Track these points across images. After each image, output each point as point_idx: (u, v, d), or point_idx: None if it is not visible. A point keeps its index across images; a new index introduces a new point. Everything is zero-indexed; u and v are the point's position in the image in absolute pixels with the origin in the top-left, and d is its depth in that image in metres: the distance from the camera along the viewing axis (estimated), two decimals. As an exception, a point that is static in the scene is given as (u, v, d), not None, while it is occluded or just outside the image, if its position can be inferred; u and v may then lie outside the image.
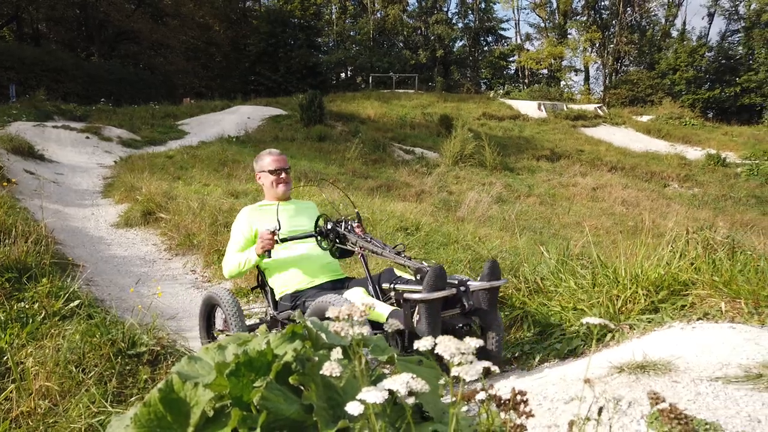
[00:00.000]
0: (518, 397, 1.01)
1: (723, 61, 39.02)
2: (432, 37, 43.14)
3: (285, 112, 21.33)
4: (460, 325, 2.46)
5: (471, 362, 0.76)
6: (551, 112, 26.98)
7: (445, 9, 46.34)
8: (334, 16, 43.94)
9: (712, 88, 37.56)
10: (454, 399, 0.93)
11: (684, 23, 50.08)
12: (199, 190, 8.43)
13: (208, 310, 3.41)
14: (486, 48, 46.94)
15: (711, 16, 42.28)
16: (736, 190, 16.50)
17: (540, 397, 1.53)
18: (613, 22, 41.33)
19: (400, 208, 8.52)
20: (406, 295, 2.34)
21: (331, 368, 0.86)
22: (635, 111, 30.03)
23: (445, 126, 20.55)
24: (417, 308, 2.27)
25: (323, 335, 1.46)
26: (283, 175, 3.23)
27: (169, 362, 2.61)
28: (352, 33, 44.08)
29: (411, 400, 1.20)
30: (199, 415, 1.08)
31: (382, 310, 2.43)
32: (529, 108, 27.73)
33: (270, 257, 2.87)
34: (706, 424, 1.25)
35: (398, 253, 2.64)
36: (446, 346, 0.79)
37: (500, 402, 1.03)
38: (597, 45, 41.91)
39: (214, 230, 6.17)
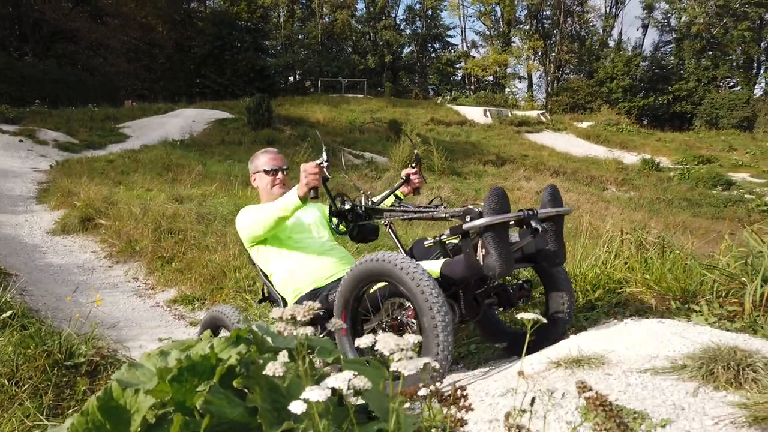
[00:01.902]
0: (459, 392, 1.05)
1: (656, 71, 41.06)
2: (380, 43, 43.42)
3: (232, 116, 20.96)
4: (521, 281, 2.22)
5: (410, 358, 0.79)
6: (496, 118, 27.64)
7: (393, 15, 46.80)
8: (281, 20, 43.55)
9: (646, 96, 39.43)
10: (397, 395, 0.96)
11: (620, 34, 52.46)
12: (141, 195, 8.17)
13: (212, 333, 3.07)
14: (433, 54, 47.62)
15: (645, 27, 44.44)
16: (669, 193, 17.36)
17: (482, 393, 1.58)
18: (554, 31, 42.78)
19: (349, 212, 8.53)
20: (465, 226, 1.90)
21: (273, 369, 0.86)
22: (576, 117, 31.15)
23: (394, 131, 20.72)
24: (481, 240, 1.88)
25: (269, 339, 1.47)
26: (280, 175, 2.84)
27: (109, 372, 2.54)
28: (300, 37, 43.80)
29: (357, 401, 1.22)
30: (139, 422, 1.06)
31: (433, 267, 2.09)
32: (475, 114, 28.31)
33: (316, 196, 2.34)
34: (635, 412, 1.32)
35: (436, 207, 2.24)
36: (386, 342, 0.81)
37: (441, 398, 1.06)
38: (539, 53, 43.25)
39: (157, 236, 6.00)
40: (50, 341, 2.58)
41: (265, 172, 2.83)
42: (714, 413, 1.30)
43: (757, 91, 38.70)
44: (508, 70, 44.25)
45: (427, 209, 2.25)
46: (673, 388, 1.45)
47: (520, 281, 2.28)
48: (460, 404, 1.05)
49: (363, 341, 0.85)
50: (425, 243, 2.34)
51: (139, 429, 1.05)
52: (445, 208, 2.20)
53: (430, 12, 46.38)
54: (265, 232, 2.55)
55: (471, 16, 47.51)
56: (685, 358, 1.59)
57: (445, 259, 2.16)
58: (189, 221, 6.44)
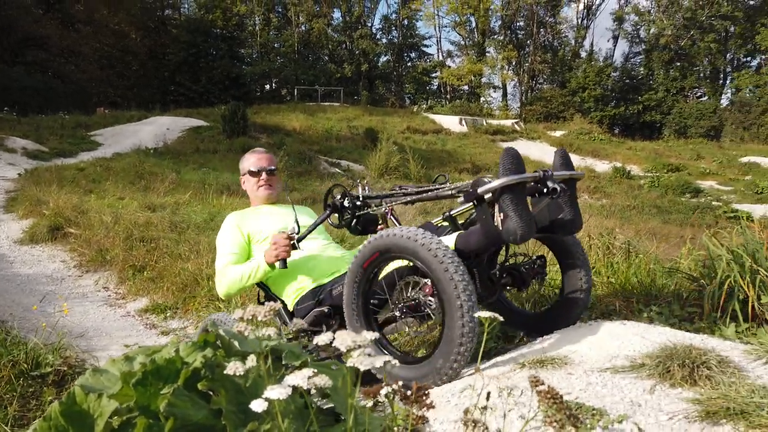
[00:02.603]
0: (420, 391, 1.07)
1: (627, 81, 42.00)
2: (357, 52, 43.60)
3: (207, 124, 20.80)
4: (534, 258, 2.10)
5: (369, 355, 0.81)
6: (472, 127, 27.93)
7: (370, 24, 47.04)
8: (257, 28, 43.44)
9: (617, 105, 40.27)
10: (356, 394, 0.98)
11: (592, 45, 53.50)
12: (113, 203, 8.06)
13: None
14: (409, 63, 47.98)
15: (616, 38, 45.44)
16: (640, 200, 17.73)
17: (449, 395, 1.61)
18: (528, 42, 43.49)
19: (325, 220, 8.52)
20: (481, 190, 1.77)
21: (235, 368, 0.88)
22: (549, 126, 31.66)
23: (370, 139, 20.79)
24: (498, 204, 1.75)
25: (236, 343, 1.47)
26: (264, 176, 2.73)
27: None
28: (276, 45, 43.74)
29: (325, 404, 1.23)
30: (102, 427, 1.06)
31: (448, 241, 1.95)
32: (451, 122, 28.57)
33: (285, 267, 2.30)
34: (594, 409, 1.37)
35: (440, 185, 2.11)
36: (343, 339, 0.83)
37: (404, 396, 1.09)
38: (513, 63, 43.90)
39: (129, 245, 5.93)
40: (16, 351, 2.54)
41: (250, 173, 2.75)
42: (669, 409, 1.35)
43: (724, 101, 39.86)
44: (483, 80, 44.80)
45: (430, 188, 2.12)
46: (631, 386, 1.50)
47: (533, 258, 2.14)
48: (422, 402, 1.08)
49: (320, 339, 0.87)
50: (434, 222, 2.20)
51: (102, 433, 1.05)
52: (449, 185, 2.04)
53: (405, 22, 46.78)
54: (226, 292, 2.47)
55: (446, 26, 48.12)
56: (643, 357, 1.65)
57: (458, 232, 2.01)
58: (162, 229, 6.37)
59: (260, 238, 2.58)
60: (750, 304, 2.22)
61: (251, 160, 2.79)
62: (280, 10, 45.44)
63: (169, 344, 1.43)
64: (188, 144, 17.39)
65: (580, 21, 45.39)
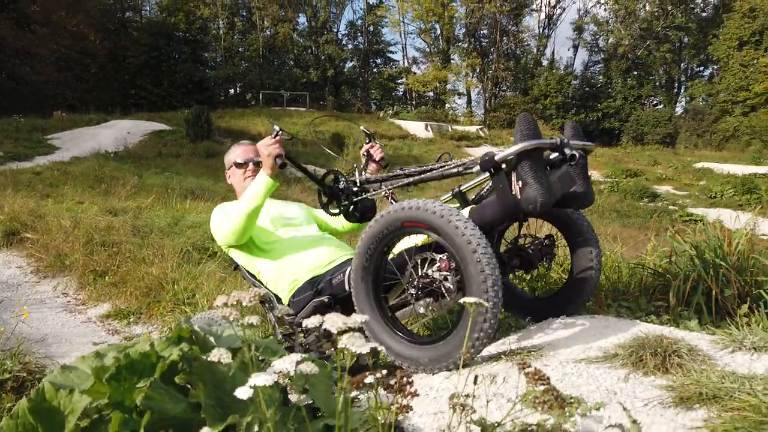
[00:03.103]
0: (403, 380, 1.07)
1: (587, 89, 43.16)
2: (323, 57, 43.55)
3: (169, 128, 20.43)
4: (541, 238, 2.00)
5: (358, 338, 0.80)
6: (437, 133, 28.23)
7: (335, 30, 47.09)
8: (221, 32, 42.92)
9: (578, 112, 41.31)
10: (342, 383, 0.96)
11: (553, 53, 54.75)
12: (72, 207, 7.80)
13: None
14: (375, 69, 48.21)
15: (576, 47, 46.67)
16: (600, 205, 18.18)
17: (427, 388, 1.61)
18: (491, 50, 44.23)
19: (292, 224, 8.44)
20: (498, 157, 1.68)
21: (219, 355, 0.85)
22: (512, 133, 32.17)
23: (337, 144, 20.75)
24: (515, 173, 1.66)
25: (212, 339, 1.44)
26: (251, 166, 2.60)
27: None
28: (240, 49, 43.31)
29: (304, 399, 1.21)
30: (74, 424, 1.02)
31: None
32: (417, 128, 28.80)
33: (284, 164, 2.18)
34: (571, 397, 1.38)
35: (445, 163, 2.00)
36: (333, 321, 0.82)
37: (387, 385, 1.08)
38: (477, 70, 44.57)
39: (89, 249, 5.73)
40: (-29, 357, 2.42)
41: (236, 165, 2.63)
42: (644, 396, 1.38)
43: (678, 109, 41.36)
44: (448, 86, 45.38)
45: (433, 167, 1.99)
46: (606, 375, 1.53)
47: (542, 238, 2.03)
48: (406, 391, 1.07)
49: (310, 321, 0.86)
50: (442, 199, 2.01)
51: (74, 431, 1.01)
52: (453, 163, 1.93)
53: (371, 28, 47.00)
54: (240, 235, 2.31)
55: (411, 33, 48.57)
56: (616, 348, 1.68)
57: (470, 206, 1.90)
58: (124, 234, 6.19)
59: (257, 229, 2.45)
60: (714, 298, 2.30)
61: (237, 152, 2.67)
62: (244, 14, 45.06)
63: (141, 340, 1.39)
64: (150, 148, 17.04)
65: (541, 30, 46.53)
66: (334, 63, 43.91)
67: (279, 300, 2.38)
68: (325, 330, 2.14)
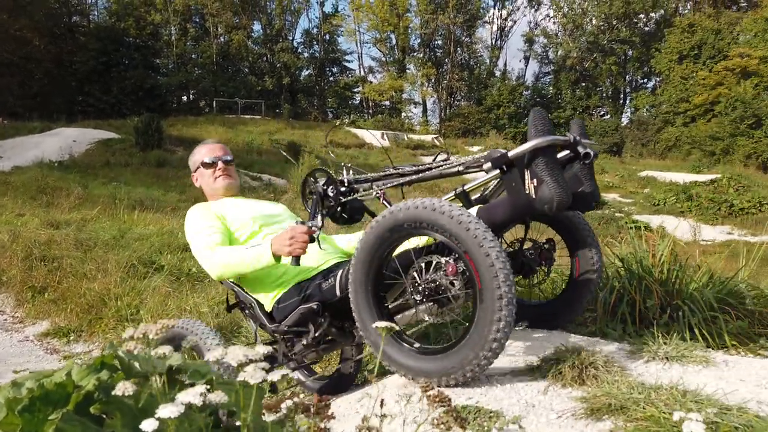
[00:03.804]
0: (321, 403, 1.10)
1: (538, 99, 44.34)
2: (278, 65, 43.27)
3: (118, 136, 19.87)
4: (542, 242, 1.95)
5: (263, 369, 0.82)
6: (393, 142, 28.44)
7: (291, 38, 46.89)
8: (173, 38, 42.10)
9: (530, 122, 42.36)
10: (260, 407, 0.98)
11: (505, 64, 56.05)
12: (11, 220, 7.50)
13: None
14: (332, 78, 48.23)
15: (527, 59, 47.95)
16: (551, 212, 18.65)
17: (357, 405, 1.64)
18: (446, 60, 44.95)
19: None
20: (512, 153, 1.60)
21: (124, 388, 0.86)
22: (467, 142, 32.80)
23: (293, 153, 20.62)
24: (529, 169, 1.58)
25: (136, 364, 1.43)
26: (220, 164, 2.47)
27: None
28: (194, 56, 42.57)
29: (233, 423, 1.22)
30: (-16, 459, 1.00)
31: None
32: (373, 137, 28.92)
33: (297, 264, 1.99)
34: (491, 412, 1.44)
35: (443, 161, 1.90)
36: (234, 354, 0.84)
37: (306, 408, 1.11)
38: (432, 80, 45.19)
39: (28, 265, 5.53)
40: None
41: (204, 165, 2.48)
42: (559, 408, 1.45)
43: (624, 120, 42.95)
44: (404, 96, 45.79)
45: (431, 166, 1.89)
46: (528, 388, 1.60)
47: (541, 242, 1.97)
48: (323, 414, 1.11)
49: (210, 356, 0.88)
50: (444, 199, 1.84)
51: (-18, 465, 0.99)
52: (455, 162, 1.81)
53: (327, 36, 47.04)
54: (220, 273, 2.16)
55: (367, 43, 48.77)
56: (540, 361, 1.75)
57: (477, 206, 1.80)
58: (65, 248, 6.00)
59: (238, 226, 2.30)
60: (637, 308, 2.42)
61: (202, 152, 2.53)
62: (197, 20, 44.34)
63: (63, 367, 1.37)
64: (97, 157, 16.54)
65: (494, 42, 47.60)
66: (290, 71, 43.69)
67: (261, 306, 2.26)
68: (313, 339, 2.04)
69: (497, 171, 1.67)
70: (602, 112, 43.92)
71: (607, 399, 1.42)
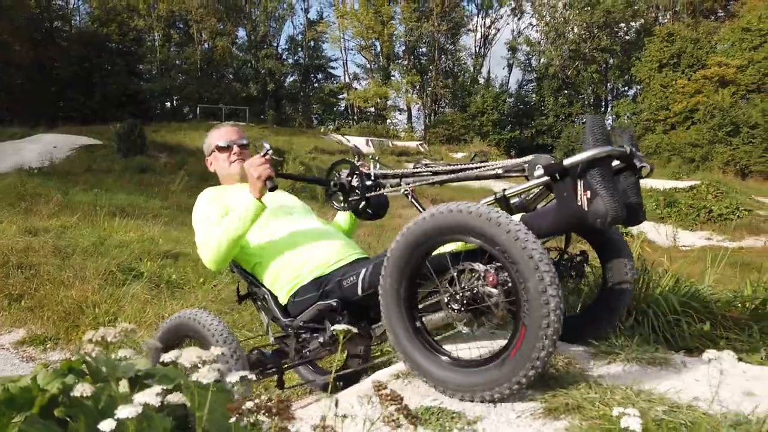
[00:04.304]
0: (281, 405, 1.13)
1: (521, 107, 44.82)
2: (263, 71, 43.22)
3: (100, 142, 19.70)
4: (575, 254, 1.86)
5: (216, 370, 0.86)
6: (378, 148, 28.53)
7: (275, 45, 46.91)
8: (157, 44, 41.89)
9: (513, 129, 42.77)
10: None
11: (489, 72, 56.71)
12: (-13, 228, 7.41)
13: (169, 348, 2.20)
14: (316, 84, 48.27)
15: (510, 66, 48.42)
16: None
17: (326, 409, 1.67)
18: (430, 67, 45.23)
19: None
20: (567, 162, 1.53)
21: (82, 390, 0.89)
22: (451, 148, 33.03)
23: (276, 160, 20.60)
24: (582, 180, 1.50)
25: (103, 368, 1.45)
26: (236, 149, 2.44)
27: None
28: (177, 62, 42.37)
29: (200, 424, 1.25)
30: (-53, 462, 1.02)
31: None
32: (358, 143, 29.03)
33: (274, 186, 1.99)
34: (454, 413, 1.48)
35: (481, 163, 1.81)
36: (188, 355, 0.87)
37: (267, 409, 1.14)
38: (417, 87, 45.45)
39: (5, 272, 5.47)
40: None
41: (218, 148, 2.46)
42: (519, 408, 1.50)
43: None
44: (389, 102, 45.97)
45: (468, 167, 1.79)
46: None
47: (575, 254, 1.91)
48: (284, 415, 1.14)
49: (167, 357, 0.91)
50: (482, 203, 1.73)
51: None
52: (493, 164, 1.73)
53: (312, 43, 47.12)
54: (221, 263, 2.13)
55: (352, 50, 48.93)
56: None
57: (520, 215, 1.74)
58: (43, 255, 5.95)
59: None
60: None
61: (217, 135, 2.50)
62: (181, 26, 44.18)
63: (30, 372, 1.39)
64: (78, 163, 16.38)
65: (477, 49, 48.03)
66: (275, 77, 43.67)
67: (275, 299, 2.20)
68: (331, 336, 2.01)
69: (543, 178, 1.59)
70: (584, 120, 44.44)
71: (564, 399, 1.47)
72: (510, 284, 1.48)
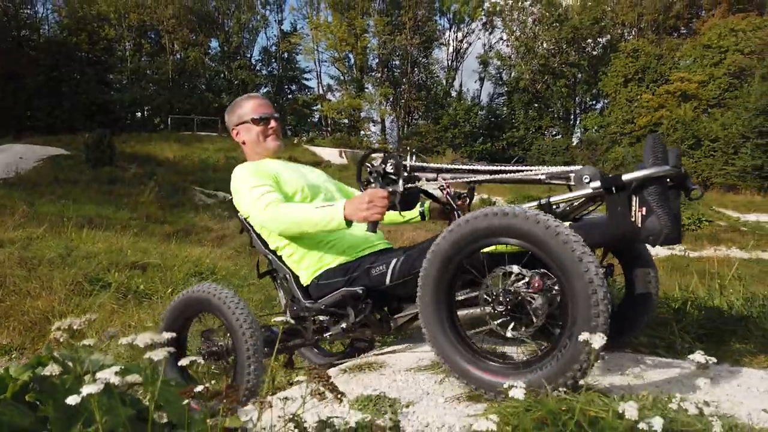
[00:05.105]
0: (228, 391, 1.29)
1: (492, 119, 45.62)
2: (236, 82, 43.14)
3: (68, 152, 19.48)
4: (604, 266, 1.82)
5: (169, 353, 1.01)
6: (351, 159, 28.71)
7: (249, 56, 46.88)
8: (127, 54, 41.50)
9: (484, 141, 43.51)
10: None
11: (461, 85, 57.62)
12: (-49, 239, 7.34)
13: (182, 323, 2.23)
14: (290, 96, 48.31)
15: (482, 80, 49.32)
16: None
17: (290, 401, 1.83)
18: (403, 80, 45.78)
19: (197, 252, 8.37)
20: (627, 178, 1.52)
21: (51, 369, 1.04)
22: (424, 160, 33.37)
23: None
24: (639, 196, 1.51)
25: (70, 363, 1.59)
26: (272, 123, 2.36)
27: None
28: (148, 72, 42.01)
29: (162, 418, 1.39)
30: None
31: None
32: (331, 155, 29.18)
33: (374, 231, 1.89)
34: (390, 399, 1.66)
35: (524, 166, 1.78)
36: (143, 338, 1.03)
37: (217, 394, 1.30)
38: (390, 99, 45.90)
39: (-32, 286, 5.47)
40: None
41: (254, 121, 2.34)
42: (448, 395, 1.68)
43: (574, 140, 44.55)
44: (363, 114, 46.28)
45: (508, 169, 1.78)
46: (427, 380, 1.82)
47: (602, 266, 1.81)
48: (230, 398, 1.30)
49: (123, 340, 1.06)
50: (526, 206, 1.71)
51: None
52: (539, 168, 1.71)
53: (285, 55, 47.23)
54: (283, 226, 2.04)
55: (326, 62, 49.14)
56: (443, 358, 1.98)
57: (568, 223, 1.73)
58: (8, 266, 5.95)
59: (292, 191, 2.20)
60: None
61: (249, 107, 2.38)
62: (153, 36, 43.88)
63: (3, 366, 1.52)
64: (45, 174, 16.17)
65: (450, 63, 48.80)
66: (248, 88, 43.61)
67: (297, 279, 2.18)
68: (353, 324, 2.06)
69: (597, 190, 1.58)
70: (554, 132, 45.46)
71: (488, 386, 1.65)
72: (553, 292, 1.51)
